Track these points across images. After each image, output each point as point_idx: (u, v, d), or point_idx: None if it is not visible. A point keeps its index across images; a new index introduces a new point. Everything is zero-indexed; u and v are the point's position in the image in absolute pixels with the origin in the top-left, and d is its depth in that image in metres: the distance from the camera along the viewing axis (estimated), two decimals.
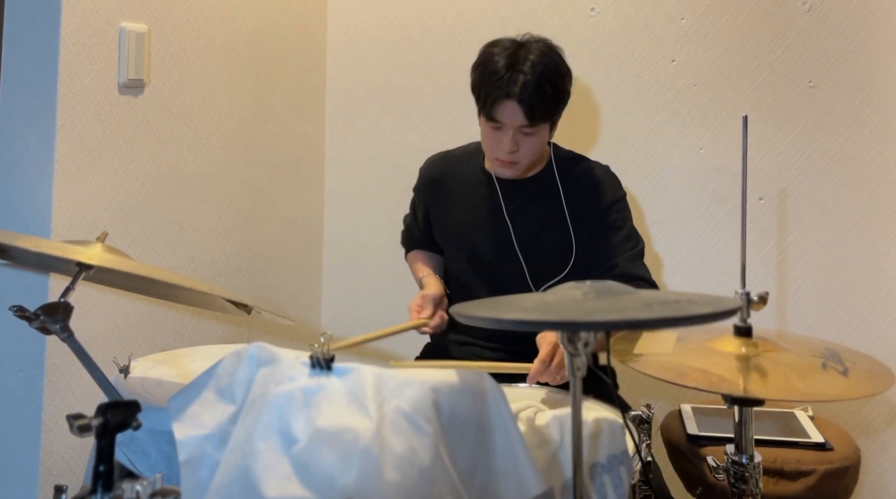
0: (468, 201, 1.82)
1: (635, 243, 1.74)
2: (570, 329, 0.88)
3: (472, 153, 1.87)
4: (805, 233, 2.10)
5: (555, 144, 1.84)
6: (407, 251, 2.04)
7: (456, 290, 1.85)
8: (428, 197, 1.89)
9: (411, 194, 1.97)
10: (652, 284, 1.73)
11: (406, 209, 2.01)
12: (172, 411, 0.98)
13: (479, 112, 1.70)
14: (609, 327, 0.90)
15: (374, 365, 0.98)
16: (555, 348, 1.50)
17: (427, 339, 1.96)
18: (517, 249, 1.76)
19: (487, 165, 1.81)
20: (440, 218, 1.88)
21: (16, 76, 1.62)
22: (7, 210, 1.62)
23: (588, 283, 0.97)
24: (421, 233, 1.95)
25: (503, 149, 1.66)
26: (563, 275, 1.75)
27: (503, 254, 1.77)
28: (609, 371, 1.85)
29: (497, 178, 1.79)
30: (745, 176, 1.21)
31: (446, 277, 1.89)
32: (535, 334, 1.69)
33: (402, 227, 2.03)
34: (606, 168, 1.82)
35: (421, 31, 2.39)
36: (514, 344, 1.73)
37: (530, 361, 1.67)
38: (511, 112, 1.62)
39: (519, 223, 1.77)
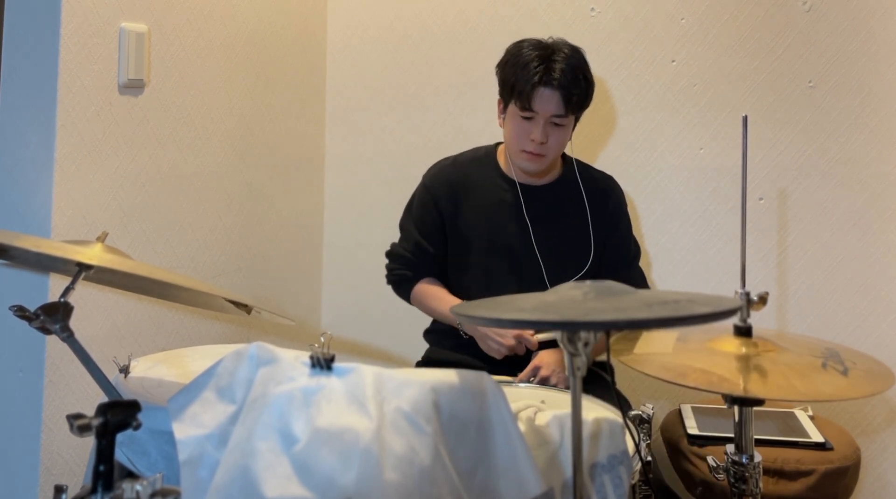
0: (488, 206, 1.81)
1: (636, 251, 1.88)
2: (569, 329, 0.88)
3: (482, 158, 1.86)
4: (805, 233, 2.10)
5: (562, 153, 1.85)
6: (413, 282, 1.87)
7: (475, 295, 1.83)
8: (443, 203, 1.83)
9: (411, 195, 1.92)
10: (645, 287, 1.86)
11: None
12: (172, 411, 0.98)
13: (509, 104, 1.71)
14: (609, 327, 0.90)
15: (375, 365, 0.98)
16: (535, 371, 1.62)
17: (426, 344, 1.96)
18: (537, 253, 1.77)
19: (504, 164, 1.82)
20: (456, 223, 1.83)
21: (16, 76, 1.62)
22: (7, 210, 1.62)
23: (588, 283, 0.97)
24: (435, 248, 1.84)
25: (534, 139, 1.68)
26: (578, 277, 1.76)
27: (523, 258, 1.78)
28: (609, 371, 1.86)
29: (519, 183, 1.80)
30: (745, 176, 1.21)
31: (459, 286, 1.84)
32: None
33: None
34: (611, 177, 1.89)
35: (421, 31, 2.39)
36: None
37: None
38: (547, 100, 1.66)
39: (539, 228, 1.78)
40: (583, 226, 1.80)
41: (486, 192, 1.82)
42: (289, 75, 2.31)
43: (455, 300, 1.80)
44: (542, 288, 1.76)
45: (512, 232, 1.79)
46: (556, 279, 1.75)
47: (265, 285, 2.25)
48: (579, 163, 1.86)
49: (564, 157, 1.85)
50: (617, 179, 1.88)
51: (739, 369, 1.08)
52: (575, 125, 1.77)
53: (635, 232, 2.21)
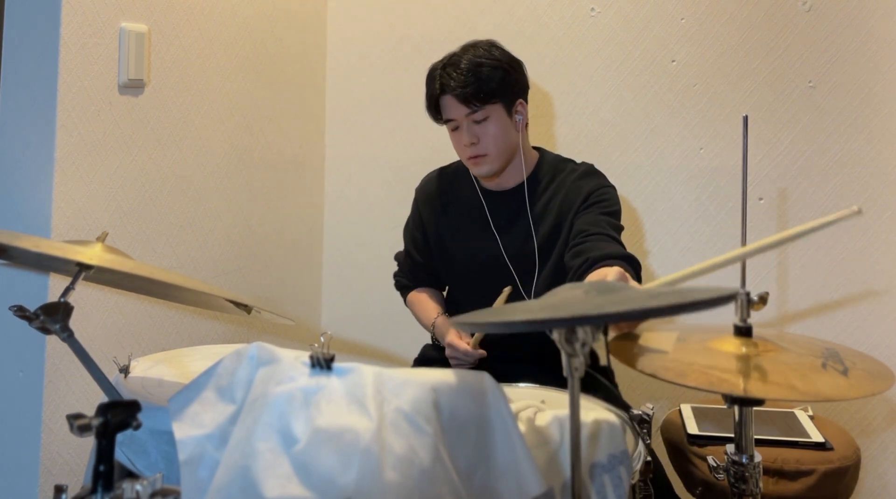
0: (461, 216, 1.83)
1: (606, 225, 1.65)
2: (589, 323, 0.86)
3: (462, 168, 1.87)
4: None
5: (543, 150, 1.84)
6: (409, 289, 1.95)
7: (459, 303, 1.85)
8: (426, 215, 1.88)
9: (411, 196, 1.95)
10: (627, 258, 1.58)
11: (405, 210, 1.99)
12: (172, 411, 0.98)
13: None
14: (630, 317, 0.88)
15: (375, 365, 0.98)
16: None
17: (428, 340, 1.96)
18: (507, 260, 1.76)
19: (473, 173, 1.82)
20: (437, 234, 1.86)
21: (16, 76, 1.62)
22: (7, 210, 1.62)
23: (583, 283, 0.97)
24: (425, 259, 1.90)
25: (465, 144, 1.70)
26: (536, 278, 1.75)
27: (495, 265, 1.77)
28: (609, 371, 1.86)
29: (483, 192, 1.80)
30: (746, 176, 1.21)
31: (448, 295, 1.87)
32: (529, 336, 1.67)
33: (401, 227, 1.99)
34: (590, 166, 1.81)
35: (421, 31, 2.39)
36: (514, 349, 1.74)
37: (532, 362, 1.67)
38: (451, 105, 1.69)
39: (505, 235, 1.77)
40: (542, 225, 1.75)
41: (460, 202, 1.84)
42: (289, 75, 2.31)
43: (433, 310, 1.85)
44: (517, 293, 1.75)
45: (482, 240, 1.79)
46: (529, 282, 1.76)
47: (265, 285, 2.25)
48: (555, 159, 1.82)
49: (542, 153, 1.84)
50: (617, 180, 1.86)
51: (739, 369, 1.08)
52: (513, 111, 1.70)
53: (635, 231, 2.21)
